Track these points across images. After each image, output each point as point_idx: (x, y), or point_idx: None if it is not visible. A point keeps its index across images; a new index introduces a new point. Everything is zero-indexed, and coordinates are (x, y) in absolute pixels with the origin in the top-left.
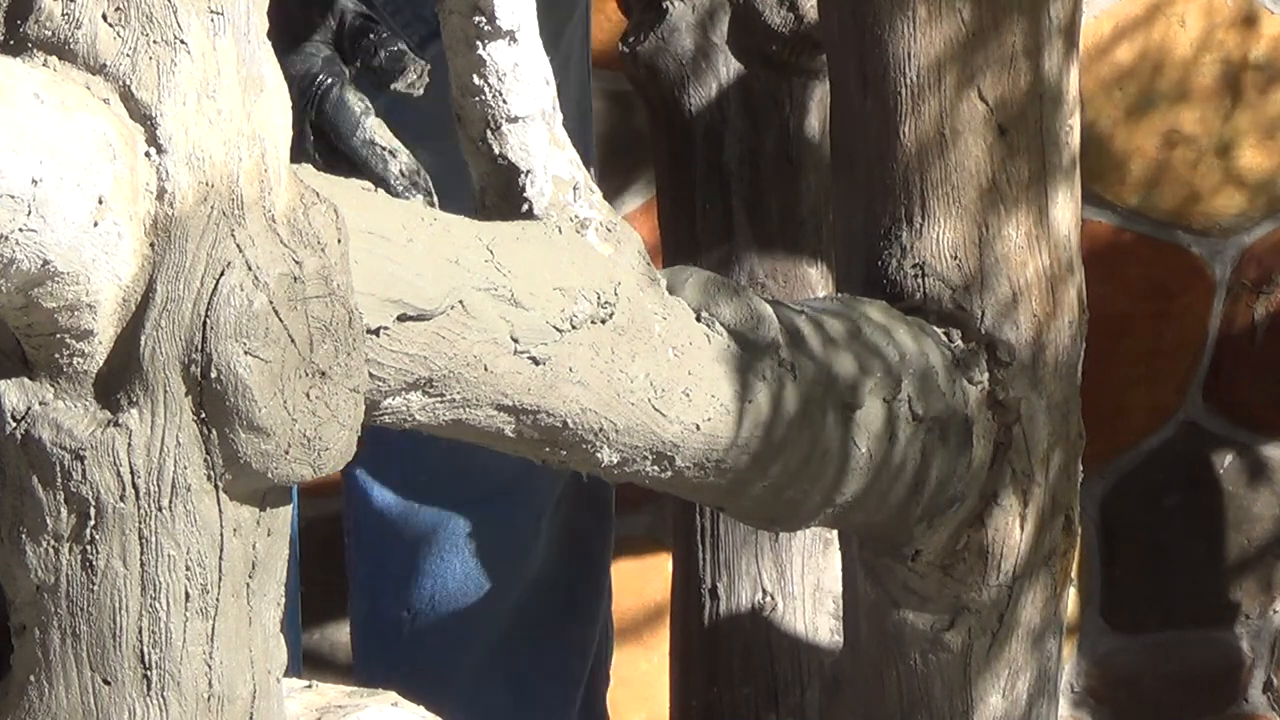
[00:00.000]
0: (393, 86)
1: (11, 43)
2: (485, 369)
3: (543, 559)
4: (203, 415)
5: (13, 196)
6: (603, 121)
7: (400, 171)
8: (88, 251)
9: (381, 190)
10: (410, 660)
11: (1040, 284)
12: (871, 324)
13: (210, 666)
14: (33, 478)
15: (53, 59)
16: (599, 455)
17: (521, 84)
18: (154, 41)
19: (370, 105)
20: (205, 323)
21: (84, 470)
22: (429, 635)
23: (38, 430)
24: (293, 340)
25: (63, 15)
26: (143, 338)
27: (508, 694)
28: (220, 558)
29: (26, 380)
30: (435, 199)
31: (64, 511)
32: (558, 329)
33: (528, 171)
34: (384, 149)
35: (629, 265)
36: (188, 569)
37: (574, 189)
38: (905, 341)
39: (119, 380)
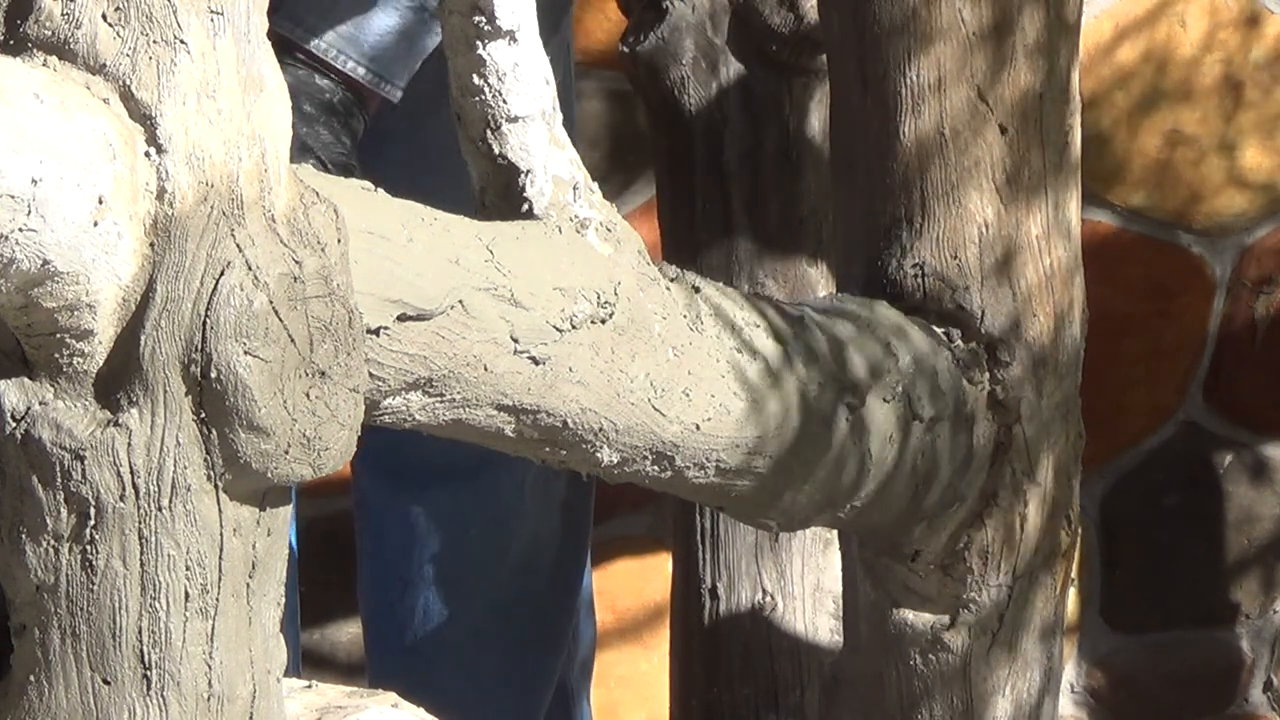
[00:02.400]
0: None
1: (11, 43)
2: (485, 369)
3: (534, 530)
4: (203, 415)
5: (13, 196)
6: (603, 121)
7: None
8: (88, 251)
9: (381, 190)
10: (407, 631)
11: (1041, 284)
12: (875, 324)
13: (210, 666)
14: (33, 478)
15: (53, 59)
16: (599, 455)
17: (521, 84)
18: (154, 41)
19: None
20: (205, 323)
21: (84, 470)
22: (424, 606)
23: (38, 430)
24: (293, 340)
25: (63, 15)
26: (143, 338)
27: (502, 659)
28: (220, 558)
29: (26, 380)
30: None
31: (64, 511)
32: (558, 329)
33: (528, 171)
34: None
35: (629, 265)
36: (188, 569)
37: (574, 189)
38: (910, 342)
39: (119, 380)
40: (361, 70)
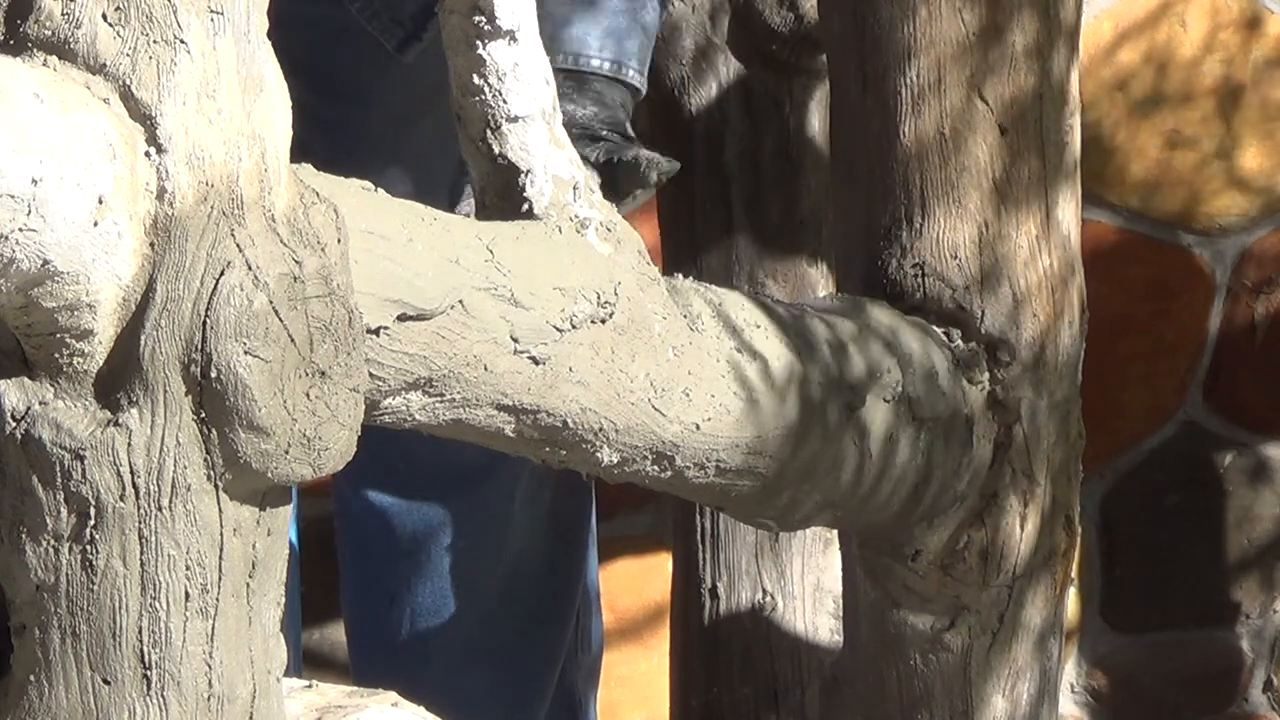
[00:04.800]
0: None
1: (11, 43)
2: (485, 369)
3: (523, 540)
4: (203, 415)
5: (13, 196)
6: None
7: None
8: (88, 251)
9: (382, 190)
10: (394, 642)
11: (1040, 284)
12: (874, 324)
13: (210, 666)
14: (33, 478)
15: (53, 59)
16: (599, 455)
17: (521, 84)
18: (154, 41)
19: None
20: (205, 322)
21: (84, 470)
22: (410, 617)
23: (38, 430)
24: (293, 340)
25: (63, 15)
26: (143, 337)
27: (491, 669)
28: (220, 557)
29: (26, 380)
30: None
31: (64, 511)
32: (558, 329)
33: (528, 171)
34: None
35: (629, 265)
36: (188, 569)
37: (574, 189)
38: (909, 342)
39: (119, 380)
40: (595, 61)
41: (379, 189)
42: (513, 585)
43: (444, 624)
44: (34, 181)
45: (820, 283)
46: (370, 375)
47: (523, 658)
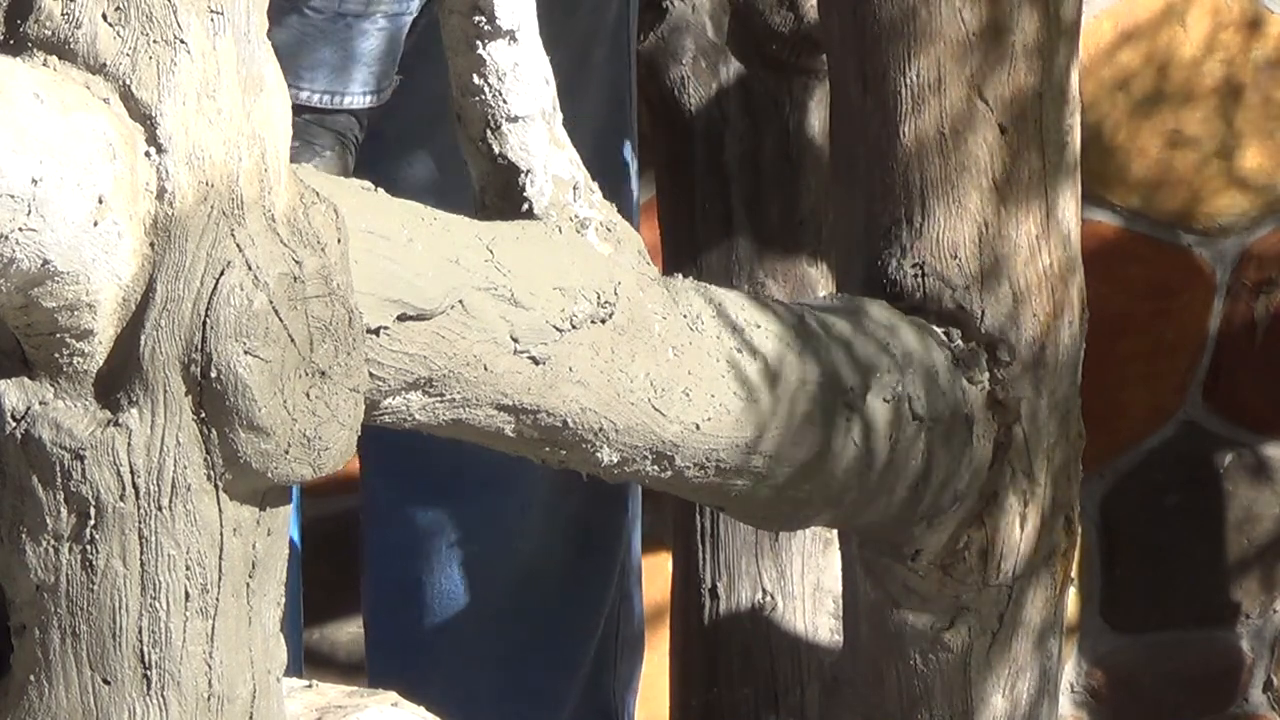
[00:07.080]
0: None
1: (11, 42)
2: (485, 369)
3: (539, 547)
4: (203, 415)
5: (13, 196)
6: None
7: None
8: (88, 251)
9: (381, 190)
10: (405, 640)
11: (1041, 284)
12: (874, 323)
13: (210, 666)
14: (33, 477)
15: (53, 59)
16: (599, 455)
17: (521, 84)
18: (154, 41)
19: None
20: (205, 322)
21: (84, 470)
22: (420, 617)
23: (38, 430)
24: (293, 340)
25: (63, 15)
26: (143, 337)
27: (499, 675)
28: (220, 557)
29: (26, 380)
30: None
31: (64, 511)
32: (558, 329)
33: (527, 171)
34: None
35: (629, 265)
36: (188, 569)
37: (574, 189)
38: (908, 341)
39: (119, 380)
40: (305, 94)
41: (379, 189)
42: (525, 592)
43: (451, 626)
44: (34, 181)
45: (820, 283)
46: (370, 375)
47: (532, 664)
